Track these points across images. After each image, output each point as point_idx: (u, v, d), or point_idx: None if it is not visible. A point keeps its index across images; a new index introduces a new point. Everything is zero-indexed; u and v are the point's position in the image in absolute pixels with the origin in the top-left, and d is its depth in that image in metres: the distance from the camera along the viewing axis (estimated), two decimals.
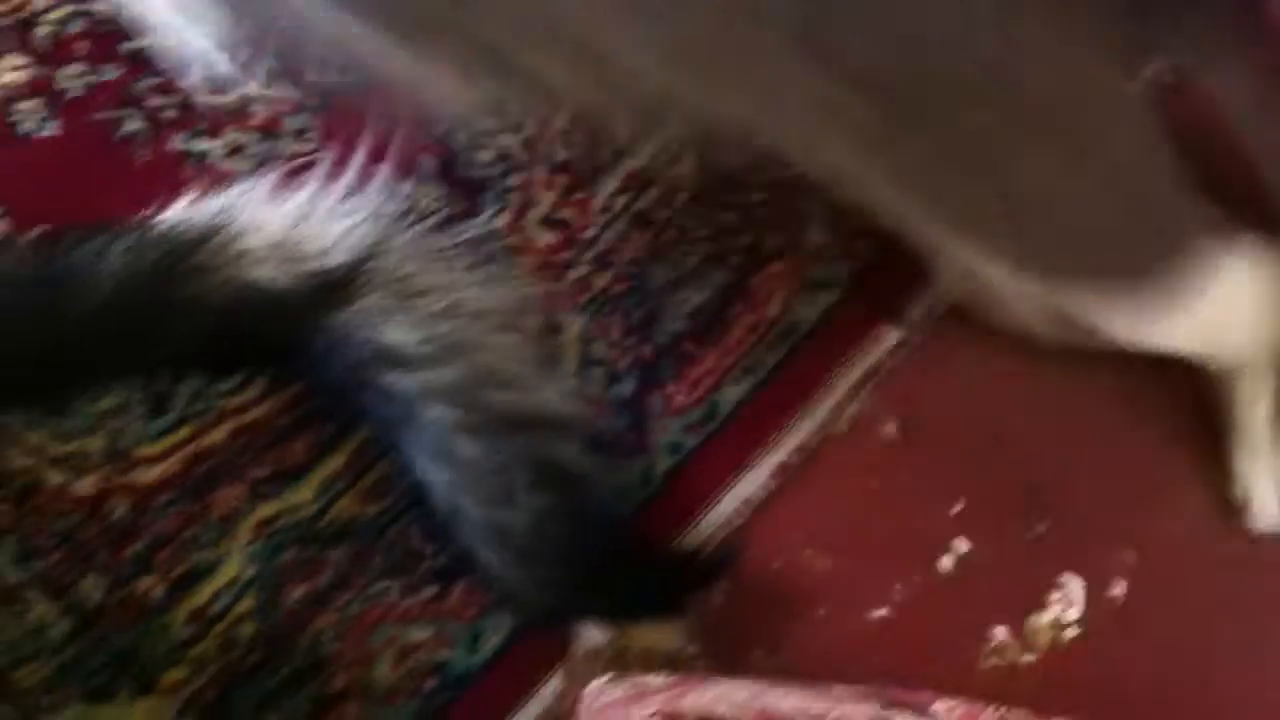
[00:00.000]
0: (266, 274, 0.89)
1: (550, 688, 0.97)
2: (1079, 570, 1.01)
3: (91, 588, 0.95)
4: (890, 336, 1.04)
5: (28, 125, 0.99)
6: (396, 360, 0.91)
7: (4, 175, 0.97)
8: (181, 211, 0.92)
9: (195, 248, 0.88)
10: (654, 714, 0.67)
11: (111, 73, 1.00)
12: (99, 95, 1.00)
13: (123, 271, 0.87)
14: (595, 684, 0.79)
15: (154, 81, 1.00)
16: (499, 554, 0.92)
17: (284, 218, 0.92)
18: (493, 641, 0.97)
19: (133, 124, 1.00)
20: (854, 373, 1.03)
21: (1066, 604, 1.01)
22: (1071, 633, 1.00)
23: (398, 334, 0.91)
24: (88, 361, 0.91)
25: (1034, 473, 1.02)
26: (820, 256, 1.04)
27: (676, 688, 0.73)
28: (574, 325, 1.01)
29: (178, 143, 1.00)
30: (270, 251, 0.90)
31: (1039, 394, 1.04)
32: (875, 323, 1.04)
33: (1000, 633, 1.00)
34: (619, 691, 0.75)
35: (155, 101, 1.00)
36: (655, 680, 0.75)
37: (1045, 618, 1.01)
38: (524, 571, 0.93)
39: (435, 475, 0.92)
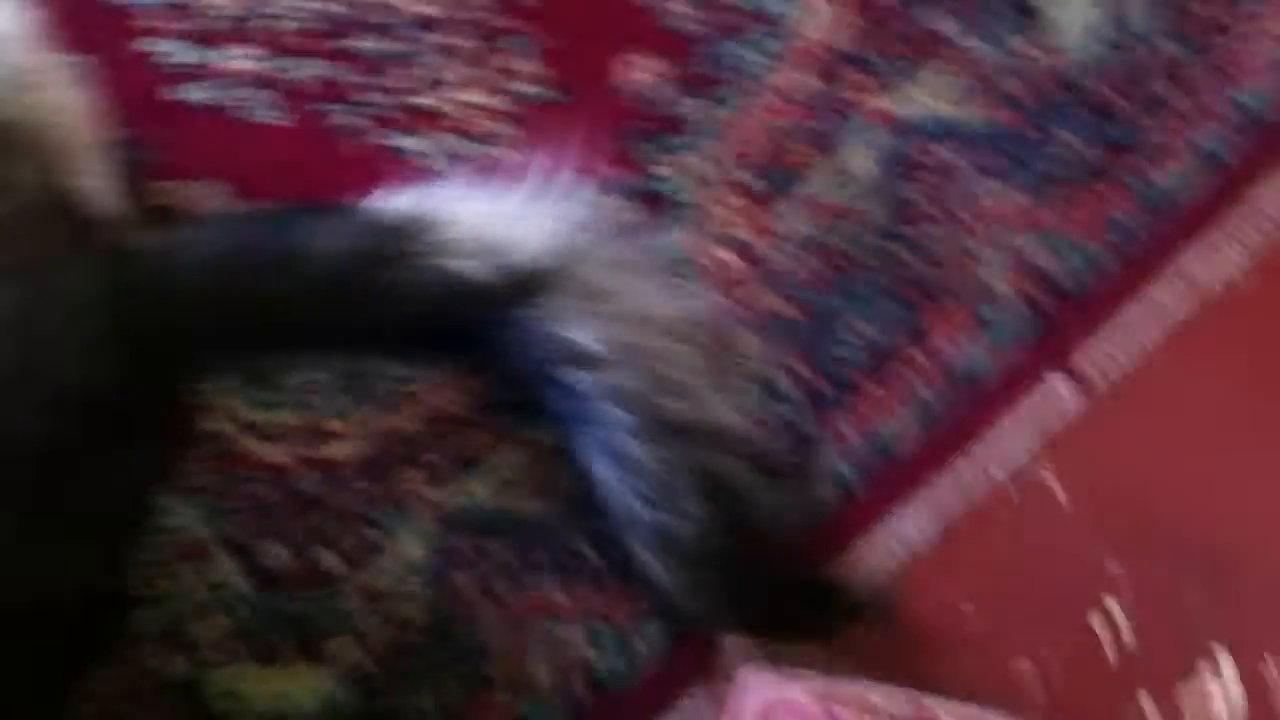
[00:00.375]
0: (465, 266, 0.92)
1: (691, 704, 0.98)
2: (1233, 648, 0.99)
3: (273, 552, 0.98)
4: (1064, 392, 1.03)
5: (251, 111, 1.04)
6: (579, 359, 0.92)
7: (231, 156, 1.02)
8: (390, 202, 0.95)
9: (402, 236, 0.91)
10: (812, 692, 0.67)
11: (330, 68, 1.05)
12: (318, 88, 1.04)
13: (333, 252, 0.90)
14: (752, 666, 0.78)
15: (367, 80, 1.05)
16: (662, 559, 0.93)
17: (483, 215, 0.95)
18: (643, 651, 0.98)
19: (346, 117, 1.04)
20: (1024, 425, 1.03)
21: (1217, 680, 0.99)
22: (1219, 709, 0.98)
23: (582, 334, 0.92)
24: (294, 335, 0.94)
25: (1201, 547, 1.01)
26: (997, 301, 1.04)
27: (832, 681, 0.73)
28: (747, 345, 1.02)
29: (386, 138, 1.04)
30: (469, 245, 0.92)
31: (1216, 469, 1.03)
32: (1050, 376, 1.03)
33: (1147, 702, 0.99)
34: (776, 675, 0.75)
35: (368, 98, 1.04)
36: (810, 672, 0.76)
37: (1194, 691, 0.99)
38: (685, 579, 0.93)
39: (608, 475, 0.93)
